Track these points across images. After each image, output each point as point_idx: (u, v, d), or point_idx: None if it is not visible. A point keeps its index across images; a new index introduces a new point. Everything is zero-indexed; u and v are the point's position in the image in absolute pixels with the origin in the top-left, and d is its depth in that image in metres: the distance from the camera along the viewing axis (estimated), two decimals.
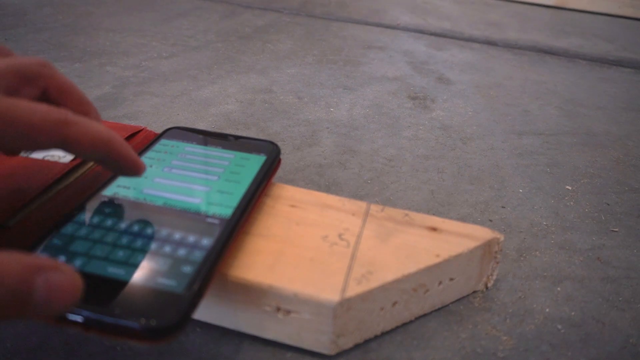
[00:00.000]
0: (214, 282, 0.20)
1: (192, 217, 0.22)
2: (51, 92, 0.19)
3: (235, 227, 0.21)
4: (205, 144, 0.28)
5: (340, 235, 0.24)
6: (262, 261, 0.22)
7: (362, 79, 0.56)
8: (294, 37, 0.70)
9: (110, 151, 0.18)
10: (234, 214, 0.22)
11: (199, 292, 0.18)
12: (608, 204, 0.35)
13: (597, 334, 0.24)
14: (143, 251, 0.19)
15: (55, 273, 0.15)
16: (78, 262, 0.18)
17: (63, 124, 0.16)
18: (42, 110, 0.16)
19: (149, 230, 0.20)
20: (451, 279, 0.24)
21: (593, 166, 0.40)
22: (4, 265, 0.14)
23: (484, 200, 0.34)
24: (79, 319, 0.16)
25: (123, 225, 0.21)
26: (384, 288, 0.21)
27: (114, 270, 0.18)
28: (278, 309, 0.21)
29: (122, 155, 0.18)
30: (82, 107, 0.20)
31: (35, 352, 0.21)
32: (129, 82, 0.50)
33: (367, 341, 0.23)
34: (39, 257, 0.15)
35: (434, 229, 0.25)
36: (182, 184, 0.24)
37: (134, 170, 0.19)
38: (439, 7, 0.98)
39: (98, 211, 0.21)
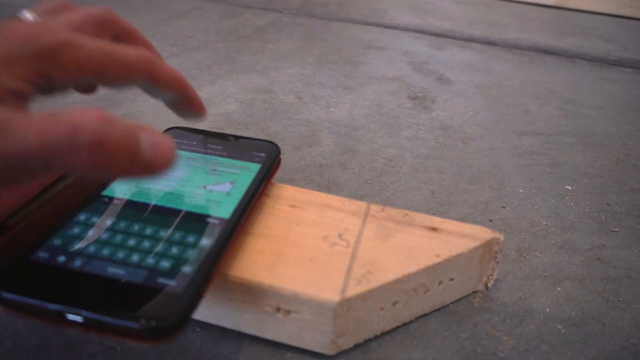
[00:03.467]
0: (214, 282, 0.20)
1: (192, 217, 0.22)
2: (119, 35, 0.21)
3: (235, 227, 0.21)
4: (205, 143, 0.28)
5: (340, 235, 0.24)
6: (262, 261, 0.22)
7: (362, 79, 0.56)
8: (294, 37, 0.70)
9: (184, 89, 0.20)
10: (233, 214, 0.22)
11: (199, 292, 0.18)
12: (608, 204, 0.35)
13: (598, 334, 0.24)
14: (143, 251, 0.19)
15: (153, 132, 0.16)
16: (78, 262, 0.18)
17: (151, 63, 0.19)
18: (134, 51, 0.18)
19: (148, 230, 0.20)
20: (451, 279, 0.24)
21: (593, 166, 0.40)
22: (111, 116, 0.15)
23: (484, 200, 0.34)
24: (79, 319, 0.16)
25: (123, 225, 0.21)
26: (384, 288, 0.21)
27: (113, 270, 0.18)
28: (278, 309, 0.21)
29: (192, 94, 0.21)
30: (146, 47, 0.22)
31: (35, 352, 0.21)
32: None
33: (367, 341, 0.23)
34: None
35: (434, 229, 0.25)
36: (182, 184, 0.24)
37: (199, 110, 0.22)
38: (439, 7, 0.98)
39: (98, 211, 0.21)
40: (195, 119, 0.22)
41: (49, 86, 0.17)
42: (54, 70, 0.16)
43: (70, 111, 0.15)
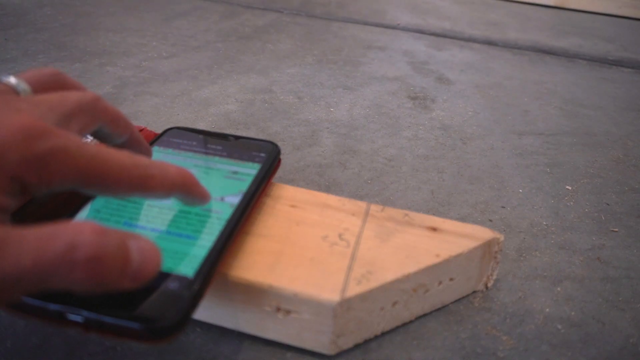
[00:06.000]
0: (214, 282, 0.20)
1: (191, 217, 0.22)
2: (105, 124, 0.20)
3: (235, 227, 0.21)
4: (205, 143, 0.28)
5: (340, 235, 0.24)
6: (262, 261, 0.22)
7: (362, 79, 0.56)
8: (294, 37, 0.70)
9: (183, 194, 0.19)
10: (234, 214, 0.22)
11: (199, 292, 0.18)
12: (608, 204, 0.35)
13: (597, 334, 0.24)
14: None
15: (141, 239, 0.16)
16: None
17: (145, 180, 0.17)
18: (127, 165, 0.17)
19: (148, 230, 0.20)
20: (451, 279, 0.24)
21: (593, 166, 0.40)
22: (104, 228, 0.15)
23: (484, 200, 0.34)
24: (79, 319, 0.16)
25: (122, 225, 0.21)
26: (384, 288, 0.21)
27: None
28: (278, 309, 0.21)
29: (193, 194, 0.20)
30: (127, 130, 0.22)
31: (35, 352, 0.21)
32: (129, 82, 0.50)
33: (367, 341, 0.23)
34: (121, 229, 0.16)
35: (434, 229, 0.25)
36: None
37: (203, 203, 0.21)
38: (439, 7, 0.98)
39: (97, 212, 0.21)
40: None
41: (27, 193, 0.16)
42: (37, 181, 0.15)
43: (65, 226, 0.14)
